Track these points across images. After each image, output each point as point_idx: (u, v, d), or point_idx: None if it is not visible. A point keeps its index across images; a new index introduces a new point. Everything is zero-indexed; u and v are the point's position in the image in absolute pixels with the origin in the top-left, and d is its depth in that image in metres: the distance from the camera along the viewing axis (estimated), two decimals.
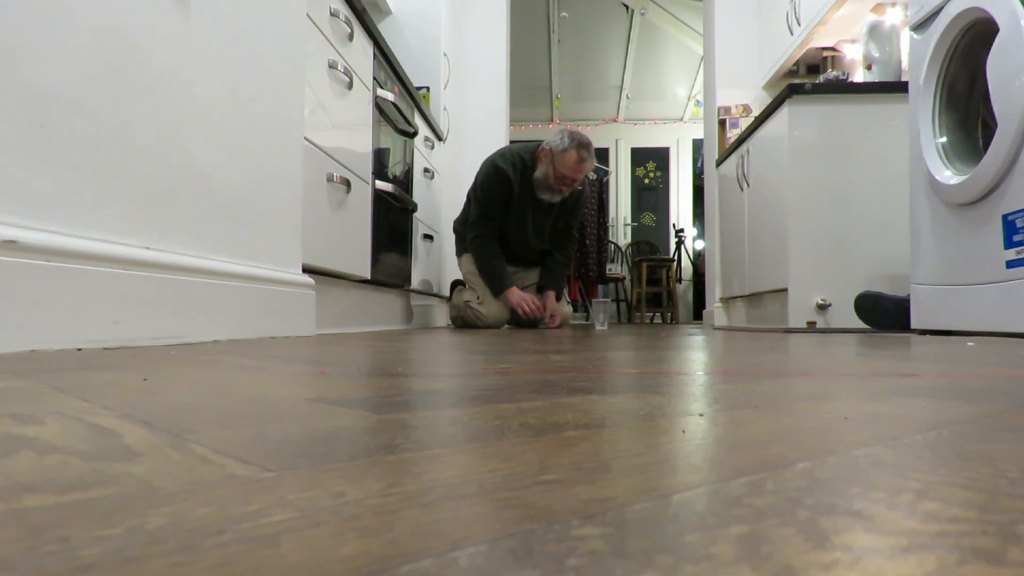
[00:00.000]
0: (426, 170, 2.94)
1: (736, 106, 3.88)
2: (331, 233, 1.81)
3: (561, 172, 2.55)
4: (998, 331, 1.68)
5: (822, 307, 2.57)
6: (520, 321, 2.75)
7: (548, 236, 2.82)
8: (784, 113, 2.66)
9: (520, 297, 2.66)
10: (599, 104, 6.76)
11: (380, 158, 2.21)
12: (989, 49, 1.64)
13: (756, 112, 3.74)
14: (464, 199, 2.88)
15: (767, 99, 3.68)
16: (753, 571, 0.14)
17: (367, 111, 2.07)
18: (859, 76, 3.06)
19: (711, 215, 4.01)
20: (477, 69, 3.97)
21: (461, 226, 2.84)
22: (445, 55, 3.34)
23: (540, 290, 2.83)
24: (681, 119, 6.90)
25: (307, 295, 1.56)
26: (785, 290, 2.66)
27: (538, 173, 2.60)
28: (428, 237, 3.00)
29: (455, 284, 3.00)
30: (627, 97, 6.63)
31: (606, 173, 6.32)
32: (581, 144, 2.55)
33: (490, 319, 2.68)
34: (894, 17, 2.84)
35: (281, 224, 1.47)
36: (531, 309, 2.67)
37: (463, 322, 2.80)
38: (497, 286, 2.67)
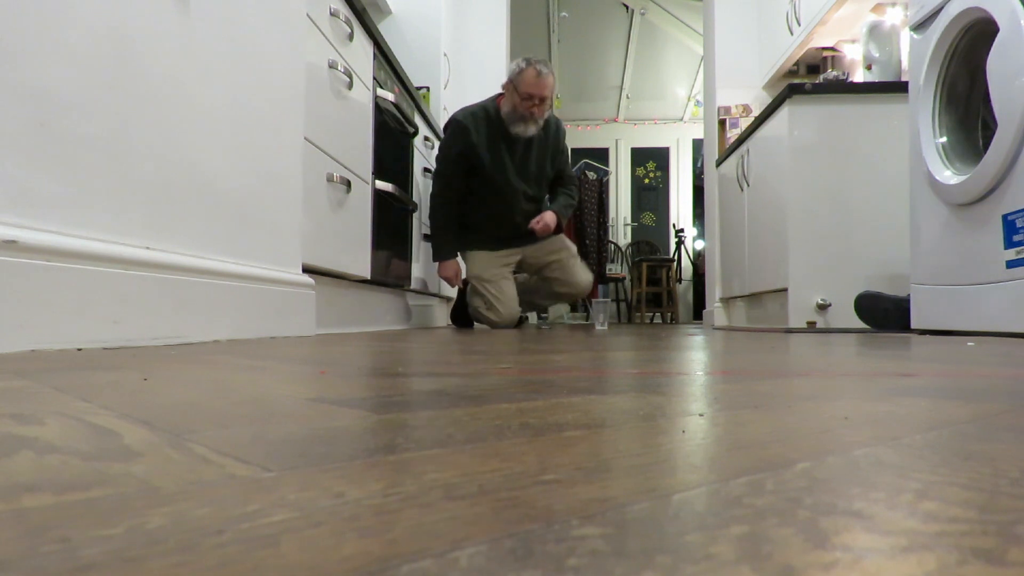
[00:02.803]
0: (426, 170, 2.94)
1: (736, 106, 3.88)
2: (331, 233, 1.81)
3: (525, 92, 2.55)
4: (998, 331, 1.68)
5: (822, 307, 2.57)
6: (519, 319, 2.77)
7: (535, 179, 2.76)
8: (784, 113, 2.66)
9: (447, 272, 2.73)
10: (599, 104, 6.76)
11: (380, 158, 2.21)
12: (989, 49, 1.64)
13: (756, 112, 3.74)
14: None
15: (767, 99, 3.68)
16: (753, 571, 0.14)
17: (367, 111, 2.07)
18: (859, 76, 3.06)
19: (711, 215, 4.01)
20: (477, 69, 3.97)
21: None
22: (445, 55, 3.34)
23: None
24: (681, 119, 6.90)
25: (307, 295, 1.56)
26: (785, 290, 2.66)
27: (505, 109, 2.61)
28: (428, 237, 3.00)
29: (465, 283, 3.01)
30: (627, 97, 6.63)
31: (606, 173, 6.33)
32: (536, 61, 2.59)
33: (502, 322, 2.71)
34: (894, 17, 2.84)
35: (281, 224, 1.47)
36: (451, 283, 2.76)
37: (463, 322, 2.83)
38: (437, 253, 2.73)
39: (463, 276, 2.85)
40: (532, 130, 2.62)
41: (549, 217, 2.72)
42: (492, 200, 2.68)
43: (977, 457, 0.26)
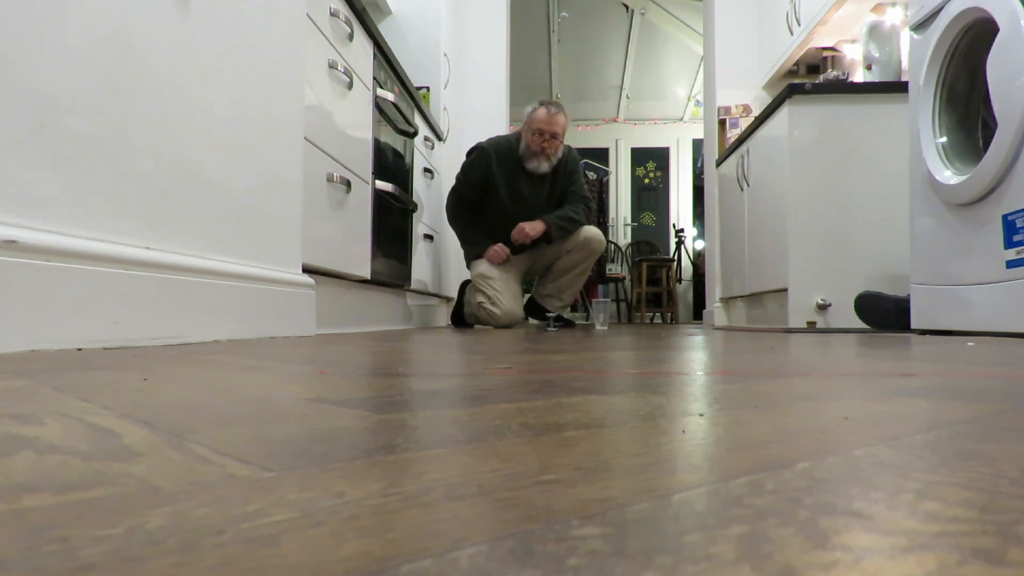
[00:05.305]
0: (426, 170, 2.94)
1: (736, 106, 3.88)
2: (331, 233, 1.81)
3: (536, 128, 2.71)
4: (998, 331, 1.68)
5: (822, 307, 2.57)
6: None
7: (547, 210, 2.82)
8: (784, 113, 2.66)
9: (492, 255, 2.77)
10: (599, 104, 6.76)
11: (380, 158, 2.21)
12: (989, 49, 1.64)
13: (756, 112, 3.74)
14: None
15: (767, 99, 3.68)
16: (753, 571, 0.14)
17: (367, 111, 2.07)
18: (859, 76, 3.05)
19: (711, 215, 4.01)
20: (477, 69, 3.97)
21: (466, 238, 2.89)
22: (445, 55, 3.34)
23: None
24: (681, 119, 6.90)
25: (307, 295, 1.56)
26: (785, 290, 2.66)
27: (522, 147, 2.76)
28: (428, 237, 3.00)
29: (465, 284, 3.02)
30: (627, 97, 6.62)
31: (606, 173, 6.32)
32: (548, 102, 2.77)
33: (504, 319, 2.73)
34: (894, 17, 2.84)
35: (281, 224, 1.47)
36: (500, 259, 2.77)
37: (467, 321, 2.86)
38: (473, 250, 2.84)
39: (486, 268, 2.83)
40: (545, 166, 2.76)
41: (529, 225, 2.73)
42: (505, 222, 2.77)
43: (977, 457, 0.25)
